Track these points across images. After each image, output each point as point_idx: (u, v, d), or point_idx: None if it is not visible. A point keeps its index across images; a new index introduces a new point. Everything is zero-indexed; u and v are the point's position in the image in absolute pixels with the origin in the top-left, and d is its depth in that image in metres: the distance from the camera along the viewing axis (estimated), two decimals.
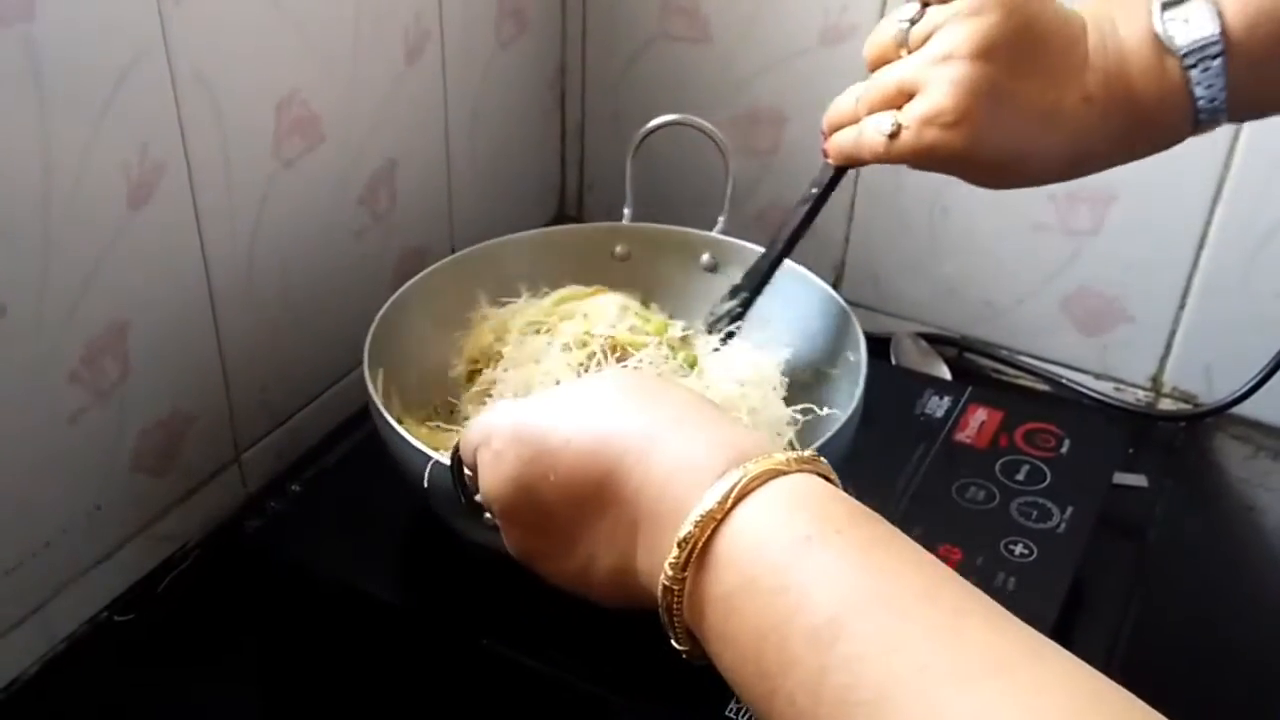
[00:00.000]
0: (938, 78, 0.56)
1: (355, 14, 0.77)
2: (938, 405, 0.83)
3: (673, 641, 0.43)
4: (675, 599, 0.41)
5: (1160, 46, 0.55)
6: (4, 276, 0.59)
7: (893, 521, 0.41)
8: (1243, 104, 0.56)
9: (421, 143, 0.88)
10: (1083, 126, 0.57)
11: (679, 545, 0.40)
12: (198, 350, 0.73)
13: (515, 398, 0.66)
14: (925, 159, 0.58)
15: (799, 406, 0.71)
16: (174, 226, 0.69)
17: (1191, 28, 0.54)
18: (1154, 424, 0.91)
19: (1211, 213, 0.85)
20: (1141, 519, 0.80)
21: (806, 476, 0.41)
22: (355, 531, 0.74)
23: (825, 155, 0.66)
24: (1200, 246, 0.86)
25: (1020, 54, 0.56)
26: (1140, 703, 0.33)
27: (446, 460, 0.55)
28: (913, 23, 0.59)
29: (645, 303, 0.79)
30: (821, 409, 0.70)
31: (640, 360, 0.69)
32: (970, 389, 0.85)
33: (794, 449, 0.68)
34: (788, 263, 0.79)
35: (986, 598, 0.37)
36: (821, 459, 0.43)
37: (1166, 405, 0.92)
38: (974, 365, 0.97)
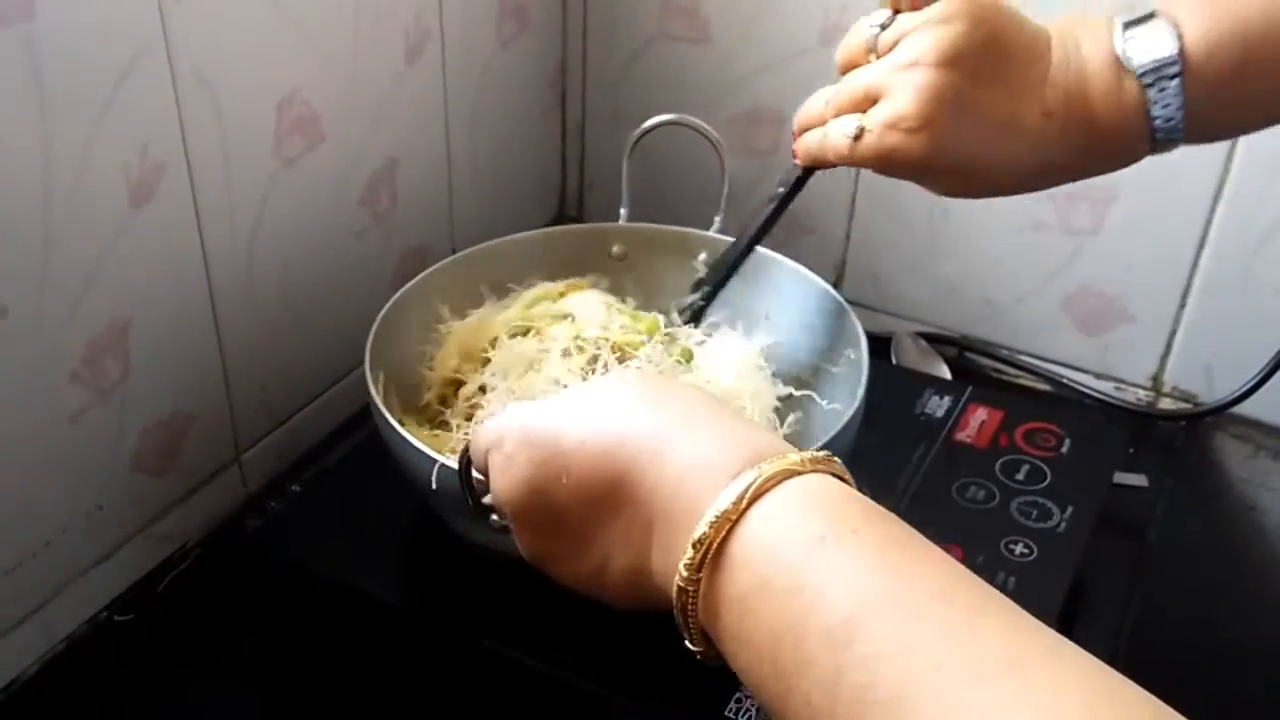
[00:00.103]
0: (902, 83, 0.57)
1: (355, 13, 0.77)
2: (938, 405, 0.83)
3: (687, 643, 0.43)
4: (690, 600, 0.41)
5: (1120, 65, 0.56)
6: (5, 276, 0.59)
7: None
8: (1200, 126, 0.57)
9: (422, 142, 0.88)
10: (1041, 139, 0.57)
11: (694, 546, 0.40)
12: (198, 350, 0.73)
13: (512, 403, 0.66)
14: (887, 162, 0.59)
15: (786, 392, 0.71)
16: (174, 226, 0.69)
17: (1150, 48, 0.55)
18: (1154, 423, 0.91)
19: (1212, 212, 0.85)
20: (1142, 518, 0.80)
21: (821, 477, 0.41)
22: (355, 531, 0.74)
23: (794, 155, 0.67)
24: (1201, 246, 0.86)
25: (984, 64, 0.57)
26: (1158, 702, 0.33)
27: (453, 463, 0.55)
28: (883, 28, 0.60)
29: (622, 298, 0.80)
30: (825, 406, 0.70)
31: (641, 360, 0.69)
32: (970, 388, 0.85)
33: (778, 431, 0.69)
34: (786, 261, 0.79)
35: (1003, 597, 0.37)
36: (835, 459, 0.43)
37: (1167, 405, 0.92)
38: (974, 365, 0.97)
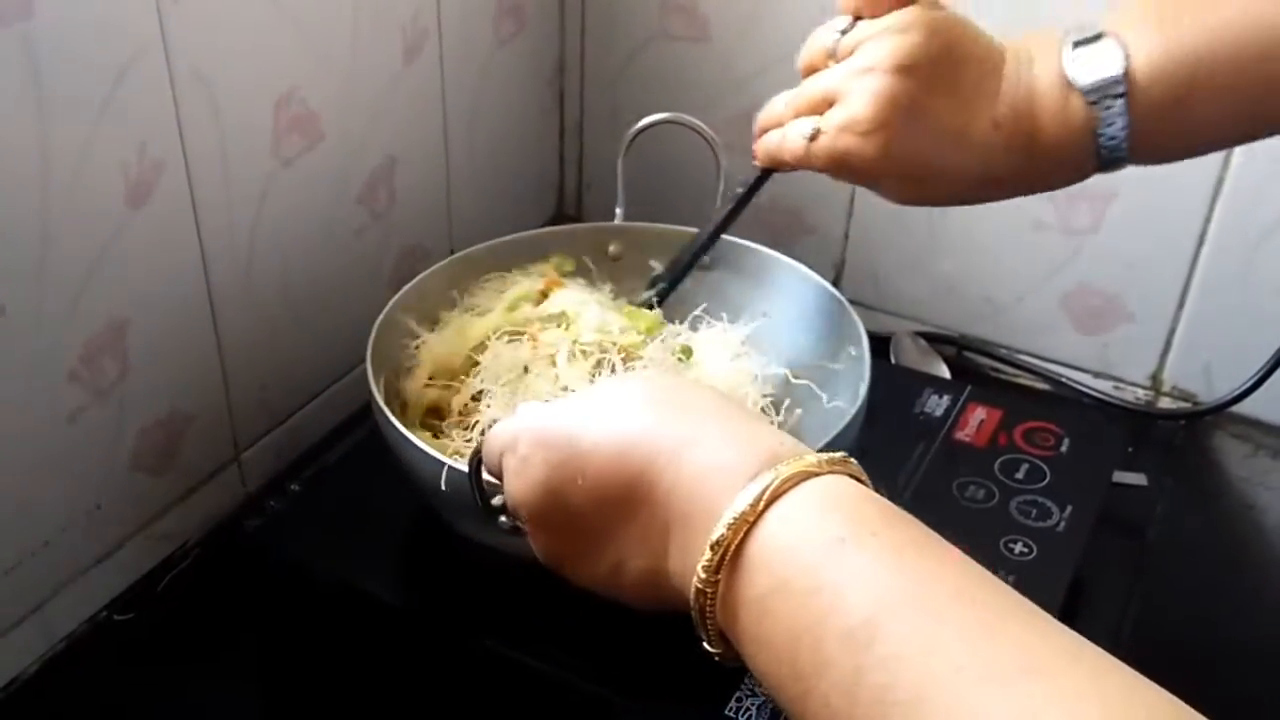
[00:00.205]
0: (858, 88, 0.59)
1: (354, 12, 0.77)
2: (937, 404, 0.83)
3: (705, 644, 0.43)
4: (708, 602, 0.41)
5: (1068, 84, 0.57)
6: (3, 275, 0.59)
7: None
8: (1147, 147, 0.57)
9: (420, 141, 0.88)
10: (988, 151, 0.58)
11: (711, 548, 0.40)
12: (197, 349, 0.73)
13: (509, 409, 0.66)
14: (841, 164, 0.60)
15: (777, 372, 0.71)
16: (173, 225, 0.69)
17: (1096, 67, 0.56)
18: (1154, 422, 0.91)
19: (1211, 211, 0.85)
20: (1141, 518, 0.80)
21: (838, 478, 0.42)
22: (355, 531, 0.74)
23: (754, 156, 0.67)
24: (1200, 244, 0.86)
25: (938, 74, 0.58)
26: (1180, 704, 0.33)
27: (461, 466, 0.55)
28: (843, 34, 0.62)
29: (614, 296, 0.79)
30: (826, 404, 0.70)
31: (646, 360, 0.69)
32: (970, 388, 0.85)
33: (766, 411, 0.69)
34: (785, 260, 0.79)
35: (1022, 598, 0.37)
36: (852, 460, 0.43)
37: (1166, 404, 0.92)
38: (973, 364, 0.97)
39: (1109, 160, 0.58)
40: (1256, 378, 0.84)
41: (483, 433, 0.66)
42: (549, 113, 1.05)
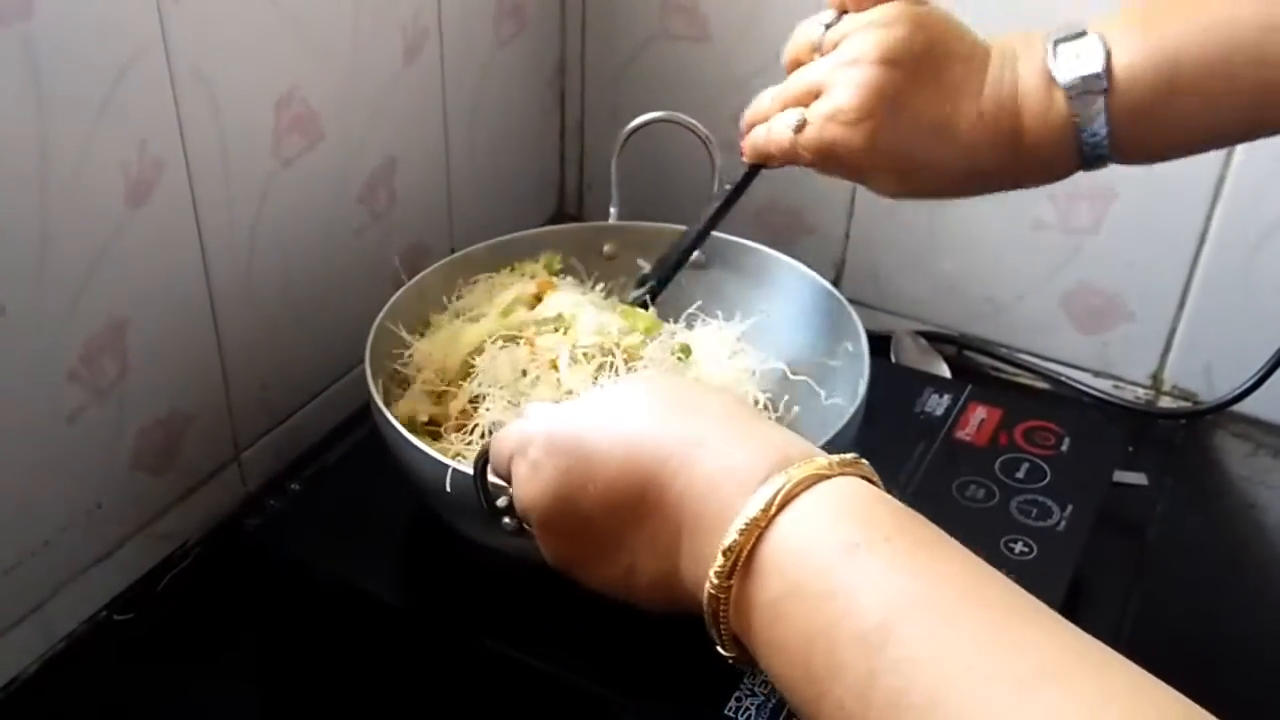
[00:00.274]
0: (844, 79, 0.59)
1: (354, 11, 0.77)
2: (937, 403, 0.83)
3: (718, 648, 0.43)
4: (721, 606, 0.41)
5: (1050, 80, 0.57)
6: (2, 274, 0.59)
7: None
8: (1129, 146, 0.57)
9: (421, 140, 0.88)
10: (972, 146, 0.59)
11: (724, 553, 0.40)
12: (197, 348, 0.73)
13: (509, 413, 0.66)
14: (828, 154, 0.60)
15: (774, 367, 0.71)
16: (173, 224, 0.69)
17: (1078, 64, 0.56)
18: (1154, 422, 0.91)
19: (1212, 210, 0.85)
20: (1141, 517, 0.80)
21: (850, 480, 0.41)
22: (355, 531, 0.74)
23: (741, 153, 0.67)
24: (1200, 244, 0.86)
25: (923, 67, 0.58)
26: (1191, 703, 0.33)
27: (465, 468, 0.55)
28: (829, 28, 0.62)
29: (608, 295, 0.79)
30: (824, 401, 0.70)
31: (647, 362, 0.69)
32: (970, 387, 0.85)
33: (766, 408, 0.69)
34: (784, 259, 0.79)
35: (1036, 601, 0.37)
36: (863, 461, 0.43)
37: (1166, 403, 0.92)
38: (973, 363, 0.97)
39: (1091, 157, 0.58)
40: (1257, 377, 0.84)
41: (483, 436, 0.66)
42: (550, 112, 1.05)
